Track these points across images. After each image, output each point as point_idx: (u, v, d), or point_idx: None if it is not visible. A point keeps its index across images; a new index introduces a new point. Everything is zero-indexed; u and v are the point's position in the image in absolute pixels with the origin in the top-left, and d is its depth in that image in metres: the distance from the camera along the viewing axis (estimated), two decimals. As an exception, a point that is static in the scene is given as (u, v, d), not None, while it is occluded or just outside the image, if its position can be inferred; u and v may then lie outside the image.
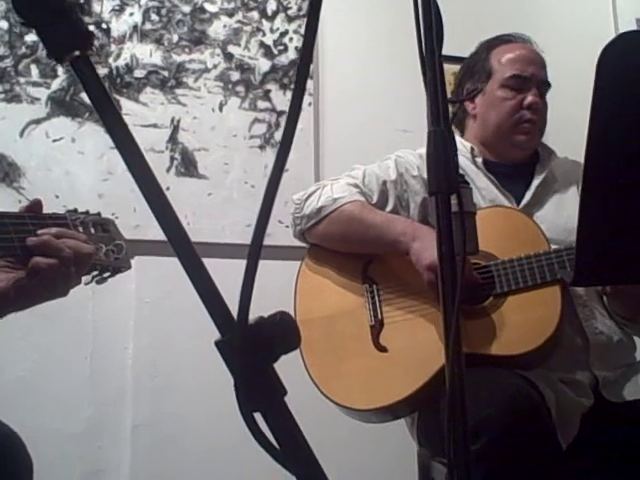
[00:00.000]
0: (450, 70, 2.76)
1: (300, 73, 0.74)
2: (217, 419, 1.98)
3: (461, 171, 1.70)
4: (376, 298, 1.62)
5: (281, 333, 0.69)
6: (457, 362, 0.88)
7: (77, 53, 0.72)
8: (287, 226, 2.52)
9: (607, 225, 1.12)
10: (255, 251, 0.70)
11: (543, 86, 1.75)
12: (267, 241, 2.74)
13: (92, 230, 1.23)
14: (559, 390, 1.52)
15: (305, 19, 0.77)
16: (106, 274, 1.25)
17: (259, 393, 0.68)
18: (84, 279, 1.19)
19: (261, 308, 0.70)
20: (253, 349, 0.68)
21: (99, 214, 1.28)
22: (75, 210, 1.24)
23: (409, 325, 1.58)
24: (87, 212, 1.25)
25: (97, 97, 0.71)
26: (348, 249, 1.69)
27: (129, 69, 2.60)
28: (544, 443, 1.34)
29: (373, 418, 1.59)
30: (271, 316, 0.70)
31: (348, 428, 1.94)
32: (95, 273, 1.23)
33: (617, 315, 1.65)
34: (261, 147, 2.65)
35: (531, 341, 1.48)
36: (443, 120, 0.95)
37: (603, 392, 1.57)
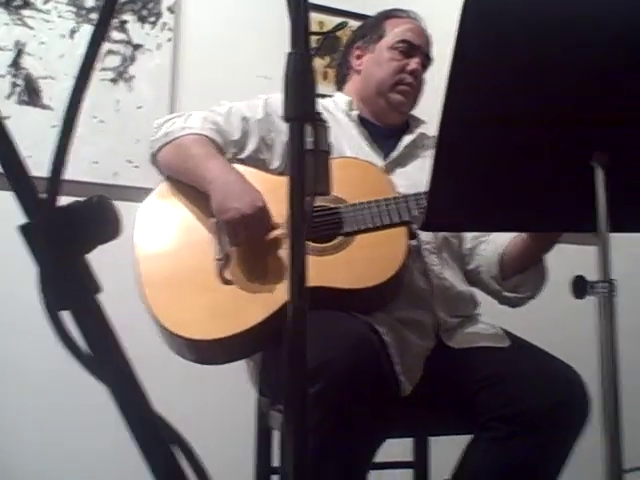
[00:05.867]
0: (317, 19, 2.75)
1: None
2: (52, 371, 1.89)
3: (334, 121, 1.76)
4: (223, 233, 1.59)
5: (98, 220, 0.60)
6: (300, 298, 0.87)
7: None
8: (136, 166, 2.43)
9: (458, 175, 1.19)
10: (70, 116, 0.62)
11: (426, 59, 1.86)
12: (114, 180, 2.64)
13: None
14: (402, 334, 1.57)
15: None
16: None
17: (68, 287, 0.59)
18: None
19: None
20: (62, 235, 0.59)
21: None
22: None
23: (256, 260, 1.57)
24: None
25: None
26: (178, 178, 1.68)
27: (-31, -18, 2.38)
28: (380, 391, 1.37)
29: (210, 352, 1.54)
30: (87, 200, 0.60)
31: (185, 376, 1.91)
32: None
33: (505, 270, 1.73)
34: (113, 80, 2.52)
35: (376, 277, 1.51)
36: (304, 44, 0.91)
37: (443, 337, 1.64)
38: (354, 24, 2.63)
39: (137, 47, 2.56)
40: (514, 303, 1.77)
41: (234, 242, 1.56)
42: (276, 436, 1.68)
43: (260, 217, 1.52)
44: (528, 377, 1.53)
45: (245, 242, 1.55)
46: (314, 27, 2.72)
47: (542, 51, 1.11)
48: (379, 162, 1.75)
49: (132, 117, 2.51)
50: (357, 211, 1.58)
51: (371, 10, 1.98)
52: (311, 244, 1.53)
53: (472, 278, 1.79)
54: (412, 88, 1.82)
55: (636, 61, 1.13)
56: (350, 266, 1.54)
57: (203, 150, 1.64)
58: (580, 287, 1.18)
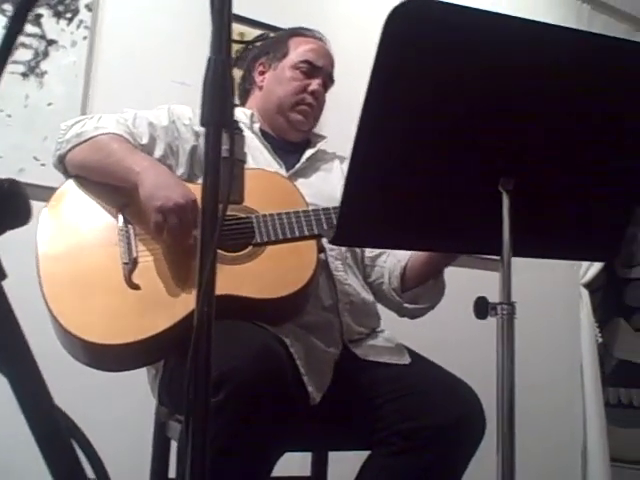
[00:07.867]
0: (238, 30, 2.75)
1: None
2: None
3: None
4: (131, 238, 1.57)
5: (8, 204, 0.58)
6: (208, 304, 0.88)
7: None
8: (43, 164, 2.35)
9: (369, 193, 1.21)
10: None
11: (328, 80, 1.89)
12: (20, 177, 2.53)
13: None
14: (308, 342, 1.57)
15: None
16: None
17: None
18: None
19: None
20: None
21: None
22: None
23: (164, 266, 1.55)
24: None
25: None
26: (93, 177, 1.64)
27: None
28: (286, 402, 1.37)
29: (107, 357, 1.49)
30: None
31: (85, 379, 1.86)
32: None
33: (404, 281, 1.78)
34: (24, 75, 2.43)
35: (284, 288, 1.52)
36: (225, 50, 0.92)
37: (350, 345, 1.65)
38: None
39: (51, 43, 2.48)
40: (414, 314, 1.81)
41: (159, 232, 1.51)
42: (174, 446, 1.65)
43: (192, 210, 1.47)
44: (426, 394, 1.57)
45: (170, 234, 1.51)
46: (235, 38, 2.72)
47: (458, 74, 1.14)
48: (282, 174, 1.76)
49: (41, 114, 2.43)
50: (269, 222, 1.59)
51: (293, 24, 1.99)
52: (221, 253, 1.51)
53: (372, 289, 1.81)
54: (312, 108, 1.85)
55: (540, 90, 1.18)
56: (260, 276, 1.54)
57: (125, 145, 1.62)
58: (482, 308, 1.21)
